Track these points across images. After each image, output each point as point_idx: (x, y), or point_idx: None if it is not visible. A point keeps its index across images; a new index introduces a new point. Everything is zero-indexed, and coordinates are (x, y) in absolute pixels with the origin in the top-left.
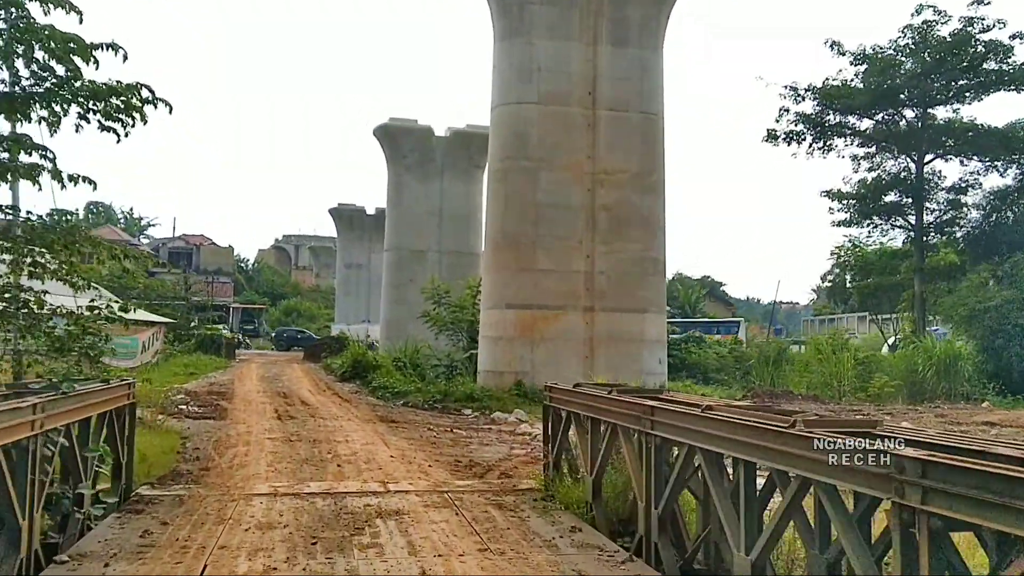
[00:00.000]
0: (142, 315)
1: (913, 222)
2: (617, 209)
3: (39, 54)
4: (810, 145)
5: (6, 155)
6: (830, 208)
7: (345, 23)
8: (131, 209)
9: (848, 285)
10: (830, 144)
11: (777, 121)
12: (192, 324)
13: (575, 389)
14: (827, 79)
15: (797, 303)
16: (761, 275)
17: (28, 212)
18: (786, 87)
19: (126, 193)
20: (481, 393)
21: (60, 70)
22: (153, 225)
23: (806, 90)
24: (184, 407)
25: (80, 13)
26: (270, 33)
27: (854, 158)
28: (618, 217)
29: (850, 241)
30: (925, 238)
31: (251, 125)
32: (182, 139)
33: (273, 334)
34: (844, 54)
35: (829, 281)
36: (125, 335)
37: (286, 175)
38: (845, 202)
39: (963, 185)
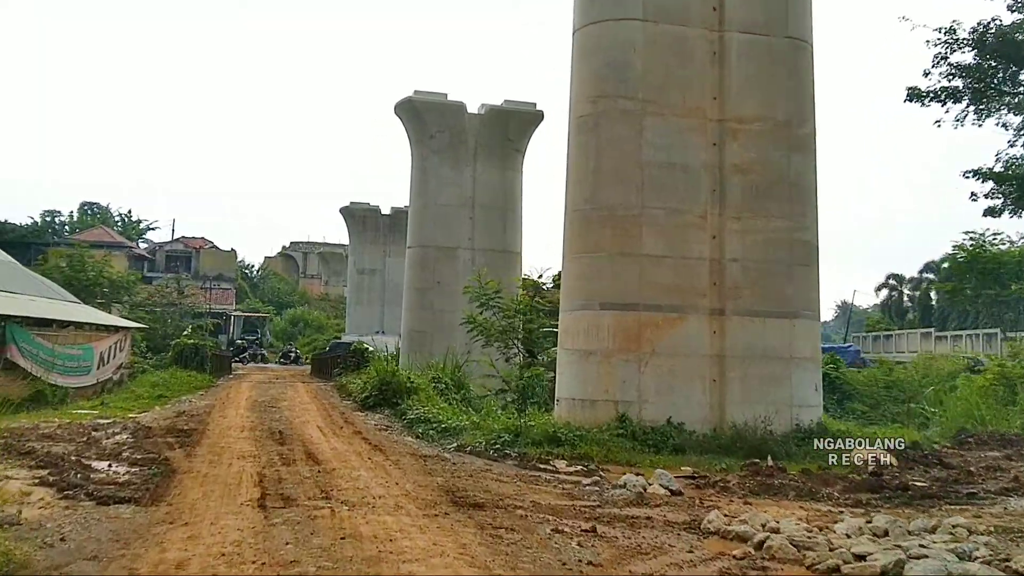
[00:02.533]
0: (95, 316)
1: None
2: (755, 172)
3: None
4: (965, 108)
5: None
6: (972, 194)
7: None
8: (129, 211)
9: (977, 293)
10: (990, 107)
11: (926, 75)
12: (184, 332)
13: None
14: (994, 18)
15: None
16: None
17: None
18: (940, 30)
19: (125, 196)
20: (568, 432)
21: None
22: (153, 228)
23: (974, 32)
24: (104, 465)
25: None
26: (270, 15)
27: (1019, 128)
28: (756, 183)
29: (971, 239)
30: None
31: (254, 122)
32: (185, 140)
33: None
34: None
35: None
36: (75, 344)
37: (295, 176)
38: (1005, 185)
39: None
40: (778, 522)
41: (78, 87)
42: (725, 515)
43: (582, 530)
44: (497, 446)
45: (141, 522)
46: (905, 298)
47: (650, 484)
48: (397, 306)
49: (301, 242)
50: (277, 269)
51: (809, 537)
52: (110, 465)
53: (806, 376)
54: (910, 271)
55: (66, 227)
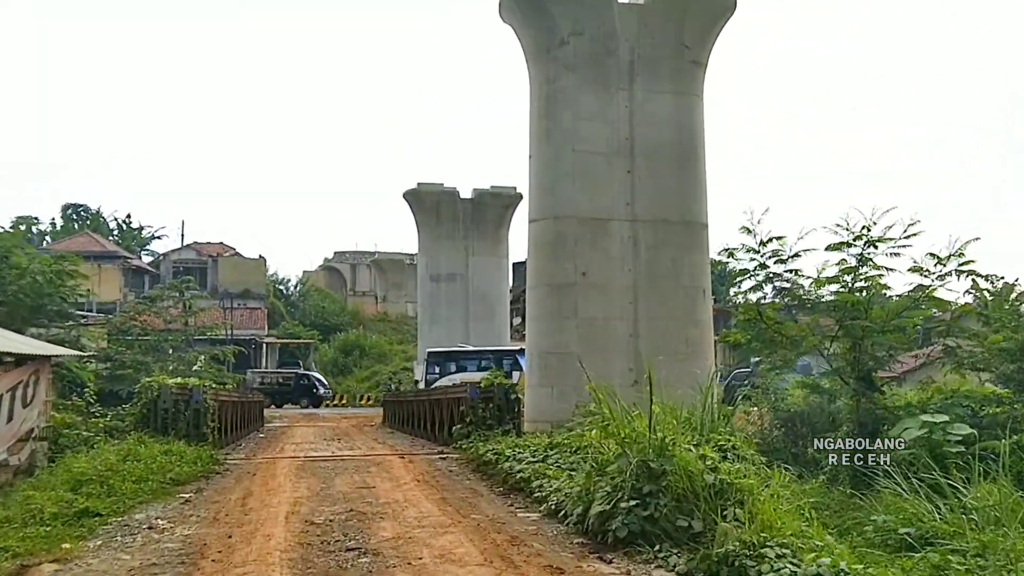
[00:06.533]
0: None
1: None
2: None
3: None
4: None
5: None
6: None
7: None
8: (128, 216)
9: None
10: None
11: None
12: (195, 366)
13: None
14: None
15: None
16: None
17: None
18: None
19: (130, 200)
20: None
21: None
22: (158, 237)
23: None
24: None
25: None
26: None
27: None
28: None
29: None
30: None
31: (277, 99)
32: (196, 134)
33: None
34: None
35: None
36: None
37: (333, 172)
38: None
39: None
40: None
41: (63, 66)
42: None
43: None
44: None
45: None
46: None
47: None
48: (485, 321)
49: (348, 251)
50: (320, 285)
51: None
52: None
53: None
54: None
55: (47, 236)
